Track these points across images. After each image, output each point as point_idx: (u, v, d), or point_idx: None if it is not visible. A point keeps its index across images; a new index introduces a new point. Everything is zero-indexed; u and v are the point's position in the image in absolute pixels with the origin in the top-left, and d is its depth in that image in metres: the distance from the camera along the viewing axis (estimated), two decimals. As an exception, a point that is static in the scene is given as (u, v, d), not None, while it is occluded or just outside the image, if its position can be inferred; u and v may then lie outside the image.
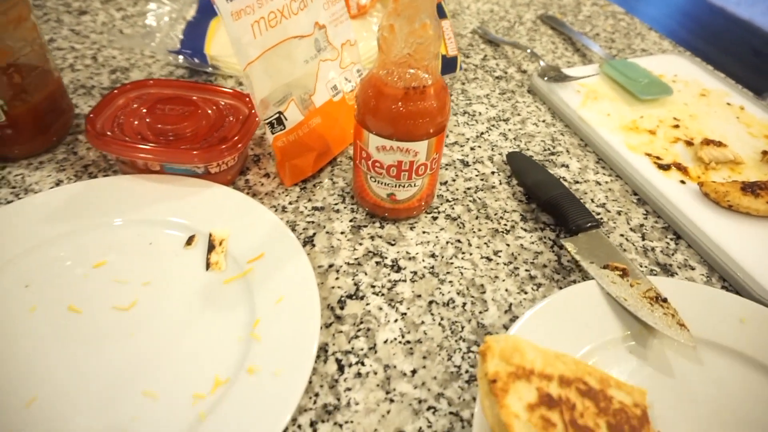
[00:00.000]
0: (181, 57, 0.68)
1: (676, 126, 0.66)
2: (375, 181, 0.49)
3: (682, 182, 0.58)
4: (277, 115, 0.52)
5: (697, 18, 3.04)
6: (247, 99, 0.56)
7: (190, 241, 0.48)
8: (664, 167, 0.60)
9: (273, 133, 0.52)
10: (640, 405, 0.37)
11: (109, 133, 0.51)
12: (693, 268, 0.51)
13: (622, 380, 0.39)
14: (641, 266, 0.51)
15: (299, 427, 0.38)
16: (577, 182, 0.59)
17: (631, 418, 0.36)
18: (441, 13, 0.71)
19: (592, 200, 0.57)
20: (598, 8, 0.95)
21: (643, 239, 0.53)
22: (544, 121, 0.68)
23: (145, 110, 0.53)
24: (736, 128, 0.67)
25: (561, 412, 0.35)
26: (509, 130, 0.66)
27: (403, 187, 0.49)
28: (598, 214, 0.55)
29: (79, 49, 0.73)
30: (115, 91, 0.55)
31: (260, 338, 0.40)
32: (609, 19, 0.91)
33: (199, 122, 0.53)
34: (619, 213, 0.56)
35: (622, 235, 0.53)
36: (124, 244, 0.47)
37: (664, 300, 0.44)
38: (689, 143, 0.63)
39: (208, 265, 0.46)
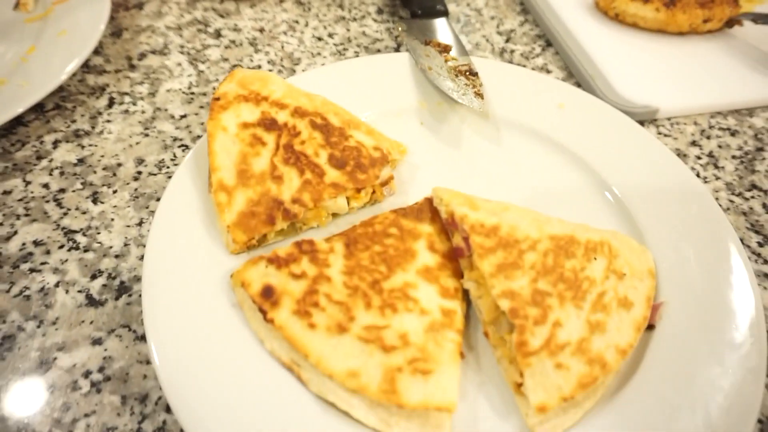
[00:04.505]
0: None
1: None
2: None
3: (579, -6, 0.51)
4: None
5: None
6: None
7: (13, -10, 0.46)
8: (567, -21, 0.52)
9: None
10: (385, 152, 0.33)
11: None
12: (549, 72, 0.45)
13: (392, 137, 0.35)
14: (490, 63, 0.45)
15: (41, 143, 0.36)
16: (461, -12, 0.53)
17: (363, 157, 0.32)
18: None
19: (468, 4, 0.51)
20: None
21: (507, 41, 0.47)
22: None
23: None
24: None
25: (279, 135, 0.32)
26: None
27: (230, -55, 0.45)
28: (468, 16, 0.50)
29: None
30: None
31: (27, 61, 0.39)
32: None
33: None
34: (492, 18, 0.50)
35: (483, 36, 0.48)
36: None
37: (474, 74, 0.39)
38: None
39: (17, 5, 0.44)
